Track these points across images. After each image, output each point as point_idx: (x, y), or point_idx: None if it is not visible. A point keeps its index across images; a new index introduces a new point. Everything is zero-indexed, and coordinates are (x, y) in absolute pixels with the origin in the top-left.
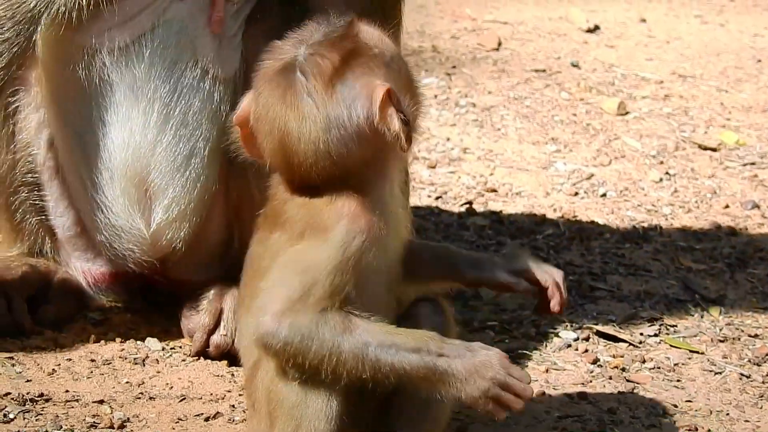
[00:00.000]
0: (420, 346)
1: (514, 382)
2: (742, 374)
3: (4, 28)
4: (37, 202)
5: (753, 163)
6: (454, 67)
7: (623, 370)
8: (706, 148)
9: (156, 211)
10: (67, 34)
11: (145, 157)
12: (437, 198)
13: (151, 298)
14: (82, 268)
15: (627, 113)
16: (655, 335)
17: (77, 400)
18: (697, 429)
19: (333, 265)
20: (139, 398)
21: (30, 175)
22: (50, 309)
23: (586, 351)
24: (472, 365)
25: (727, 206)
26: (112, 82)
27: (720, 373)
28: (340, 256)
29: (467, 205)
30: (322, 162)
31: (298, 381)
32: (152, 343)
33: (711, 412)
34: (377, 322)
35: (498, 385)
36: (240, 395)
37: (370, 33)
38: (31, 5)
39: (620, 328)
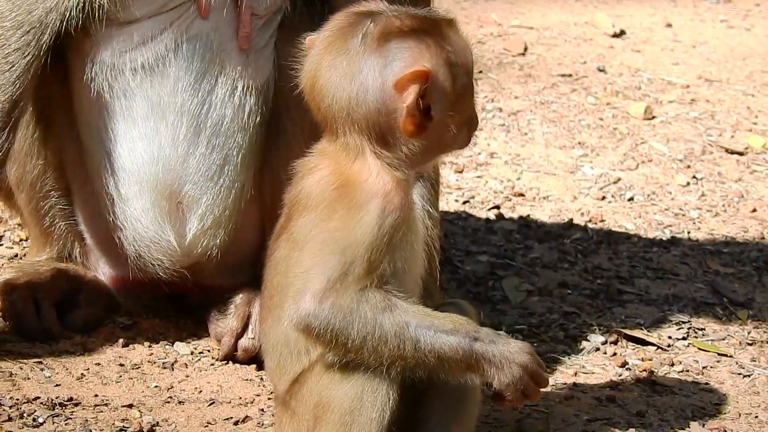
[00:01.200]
0: (458, 329)
1: (540, 371)
2: None
3: (14, 38)
4: (66, 208)
5: None
6: (480, 72)
7: (651, 373)
8: (733, 152)
9: (191, 221)
10: (85, 49)
11: (176, 170)
12: (465, 202)
13: (179, 302)
14: (111, 274)
15: (654, 117)
16: (684, 338)
17: (106, 405)
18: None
19: (370, 241)
20: (168, 402)
21: (60, 180)
22: (79, 314)
23: (615, 354)
24: (508, 351)
25: (754, 210)
26: (137, 98)
27: (748, 376)
28: (377, 233)
29: (495, 210)
30: (338, 107)
31: (353, 387)
32: (181, 347)
33: (739, 415)
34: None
35: (528, 374)
36: (269, 399)
37: (456, 37)
38: (41, 14)
39: (648, 331)
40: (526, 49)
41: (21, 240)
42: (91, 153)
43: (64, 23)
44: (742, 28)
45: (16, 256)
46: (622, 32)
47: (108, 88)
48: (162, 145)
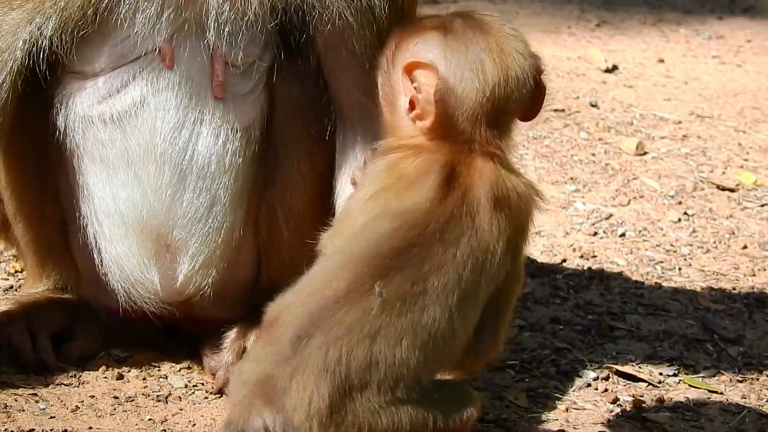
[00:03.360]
0: None
1: None
2: (760, 414)
3: None
4: (62, 239)
5: None
6: None
7: (642, 409)
8: (724, 189)
9: (181, 263)
10: (57, 98)
11: (162, 215)
12: None
13: (173, 334)
14: (106, 306)
15: (645, 153)
16: (674, 375)
17: None
18: None
19: None
20: None
21: (57, 211)
22: (74, 345)
23: (606, 390)
24: None
25: (745, 246)
26: (114, 148)
27: (739, 413)
28: None
29: None
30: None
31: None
32: (175, 380)
33: None
34: None
35: None
36: None
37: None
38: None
39: (640, 367)
40: None
41: (16, 271)
42: (78, 191)
43: (15, 65)
44: (734, 64)
45: (12, 287)
46: (615, 67)
47: (83, 138)
48: (145, 191)
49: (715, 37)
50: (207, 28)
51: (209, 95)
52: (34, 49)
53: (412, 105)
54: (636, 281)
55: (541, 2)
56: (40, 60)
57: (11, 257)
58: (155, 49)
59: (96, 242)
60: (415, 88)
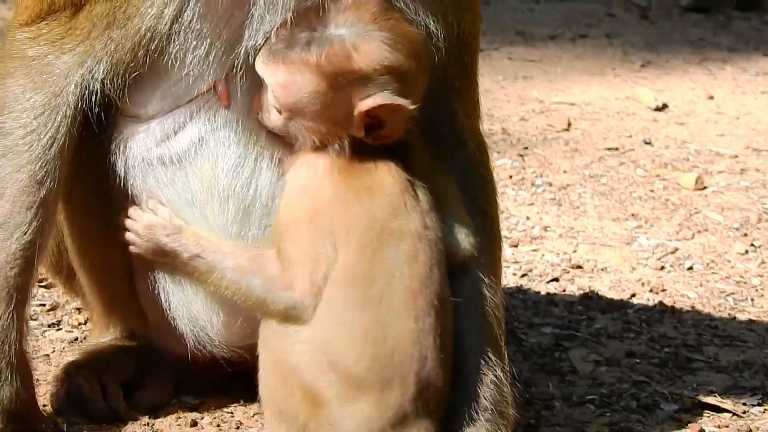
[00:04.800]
0: None
1: None
2: None
3: (28, 119)
4: (128, 286)
5: None
6: (526, 148)
7: None
8: None
9: None
10: (114, 142)
11: None
12: (522, 276)
13: (245, 380)
14: (175, 352)
15: (705, 188)
16: (759, 404)
17: None
18: None
19: None
20: None
21: (123, 257)
22: (145, 394)
23: (690, 422)
24: None
25: None
26: (176, 188)
27: None
28: None
29: (554, 282)
30: None
31: None
32: (249, 425)
33: None
34: None
35: None
36: None
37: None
38: (48, 99)
39: (722, 398)
40: (569, 124)
41: (80, 324)
42: None
43: (69, 110)
44: None
45: (76, 339)
46: (665, 106)
47: (143, 181)
48: (211, 229)
49: (762, 73)
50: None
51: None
52: (87, 92)
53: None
54: (709, 313)
55: (583, 46)
56: (93, 104)
57: (74, 310)
58: (209, 88)
59: (163, 287)
60: None
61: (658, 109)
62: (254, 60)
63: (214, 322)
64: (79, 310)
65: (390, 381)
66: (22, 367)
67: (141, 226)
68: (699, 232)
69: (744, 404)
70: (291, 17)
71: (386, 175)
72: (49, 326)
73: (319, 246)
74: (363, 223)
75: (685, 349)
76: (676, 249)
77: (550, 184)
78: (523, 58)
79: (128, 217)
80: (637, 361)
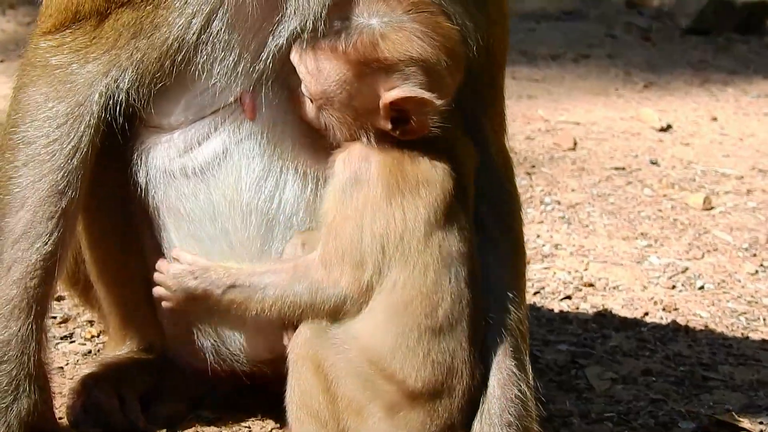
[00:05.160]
0: None
1: None
2: None
3: (51, 128)
4: (147, 298)
5: None
6: (533, 166)
7: None
8: None
9: None
10: (136, 153)
11: None
12: (535, 293)
13: (262, 393)
14: (193, 366)
15: (712, 208)
16: None
17: None
18: None
19: None
20: None
21: (141, 268)
22: (163, 407)
23: None
24: None
25: None
26: (198, 201)
27: None
28: None
29: (567, 300)
30: None
31: None
32: None
33: None
34: None
35: None
36: None
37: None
38: (72, 108)
39: (739, 417)
40: (575, 143)
41: (92, 336)
42: (164, 248)
43: (92, 119)
44: None
45: (90, 352)
46: (669, 126)
47: (165, 193)
48: (233, 244)
49: (764, 95)
50: (284, 76)
51: (293, 142)
52: (111, 102)
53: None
54: (722, 333)
55: (586, 66)
56: (117, 114)
57: (86, 323)
58: (235, 100)
59: None
60: None
61: (662, 130)
62: (281, 70)
63: (236, 336)
64: (91, 322)
65: (440, 393)
66: (40, 379)
67: (168, 277)
68: (709, 251)
69: (761, 423)
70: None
71: (440, 175)
72: (61, 339)
73: (367, 245)
74: (418, 232)
75: (700, 368)
76: (687, 268)
77: (559, 203)
78: (526, 77)
79: (156, 271)
80: (653, 379)
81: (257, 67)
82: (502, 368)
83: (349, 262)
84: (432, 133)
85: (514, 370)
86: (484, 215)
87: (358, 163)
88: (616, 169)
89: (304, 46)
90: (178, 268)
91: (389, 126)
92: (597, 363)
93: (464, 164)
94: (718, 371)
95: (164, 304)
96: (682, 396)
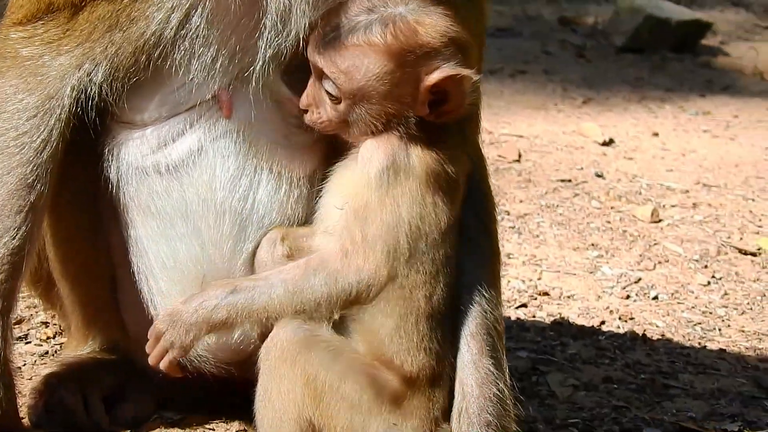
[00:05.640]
0: None
1: None
2: None
3: (21, 120)
4: (110, 297)
5: None
6: None
7: None
8: (746, 253)
9: None
10: (108, 148)
11: (221, 268)
12: None
13: (228, 396)
14: (157, 368)
15: (660, 221)
16: (740, 430)
17: None
18: None
19: None
20: None
21: (106, 268)
22: (127, 408)
23: None
24: None
25: None
26: (171, 199)
27: None
28: None
29: (522, 308)
30: None
31: None
32: None
33: None
34: None
35: None
36: None
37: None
38: (42, 100)
39: (702, 424)
40: (520, 156)
41: (48, 338)
42: (132, 246)
43: (63, 113)
44: (726, 138)
45: (47, 353)
46: (611, 141)
47: (136, 190)
48: (205, 243)
49: (702, 113)
50: (263, 75)
51: (269, 142)
52: (83, 96)
53: None
54: (679, 342)
55: (523, 81)
56: (89, 108)
57: (40, 324)
58: (212, 97)
59: (150, 299)
60: None
61: (605, 144)
62: (260, 68)
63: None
64: (45, 323)
65: (435, 379)
66: (5, 377)
67: (165, 328)
68: (660, 263)
69: (725, 430)
70: (319, 18)
71: (460, 174)
72: (17, 340)
73: (403, 232)
74: (442, 225)
75: (660, 376)
76: (640, 279)
77: (508, 213)
78: None
79: (148, 341)
80: (615, 386)
81: (235, 65)
82: (479, 367)
83: (381, 249)
84: (463, 113)
85: (492, 369)
86: (464, 215)
87: (395, 151)
88: (562, 181)
89: (329, 46)
90: (168, 310)
91: (427, 110)
92: (558, 370)
93: (464, 166)
94: (678, 379)
95: (169, 365)
96: (644, 403)
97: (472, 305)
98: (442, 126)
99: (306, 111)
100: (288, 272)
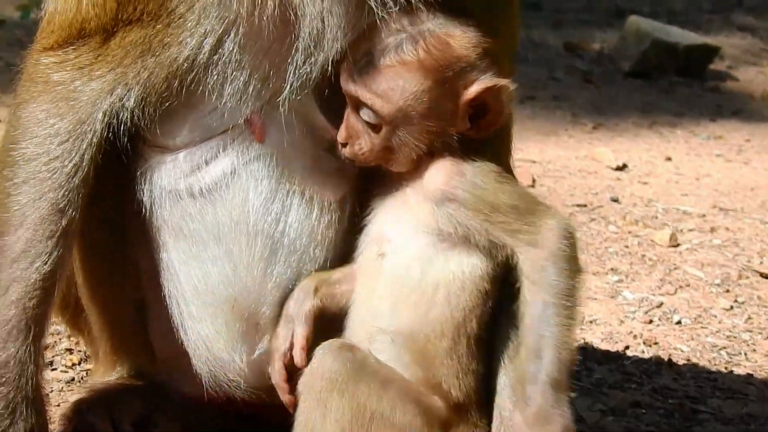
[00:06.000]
0: None
1: None
2: None
3: (53, 146)
4: (140, 322)
5: None
6: None
7: None
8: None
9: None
10: (141, 172)
11: (253, 292)
12: None
13: (258, 421)
14: (185, 391)
15: (679, 245)
16: None
17: None
18: None
19: None
20: None
21: (136, 292)
22: None
23: None
24: None
25: None
26: (204, 221)
27: None
28: None
29: None
30: None
31: None
32: None
33: None
34: None
35: None
36: None
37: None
38: (74, 125)
39: None
40: (534, 181)
41: (73, 364)
42: (162, 270)
43: (95, 137)
44: (740, 162)
45: (73, 380)
46: (625, 166)
47: (170, 213)
48: (236, 266)
49: (713, 137)
50: (294, 99)
51: (301, 166)
52: (115, 121)
53: None
54: (705, 367)
55: (532, 107)
56: (121, 133)
57: (65, 351)
58: (244, 121)
59: (181, 323)
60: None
61: (618, 169)
62: (292, 93)
63: (236, 362)
64: (70, 350)
65: (481, 405)
66: (38, 403)
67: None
68: (681, 287)
69: None
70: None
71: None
72: None
73: None
74: None
75: (688, 401)
76: (662, 303)
77: None
78: None
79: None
80: (643, 411)
81: (267, 89)
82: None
83: None
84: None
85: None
86: None
87: (453, 174)
88: (578, 206)
89: (357, 75)
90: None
91: (468, 124)
92: (585, 395)
93: None
94: (707, 404)
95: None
96: (673, 428)
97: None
98: (475, 146)
99: (345, 145)
100: None
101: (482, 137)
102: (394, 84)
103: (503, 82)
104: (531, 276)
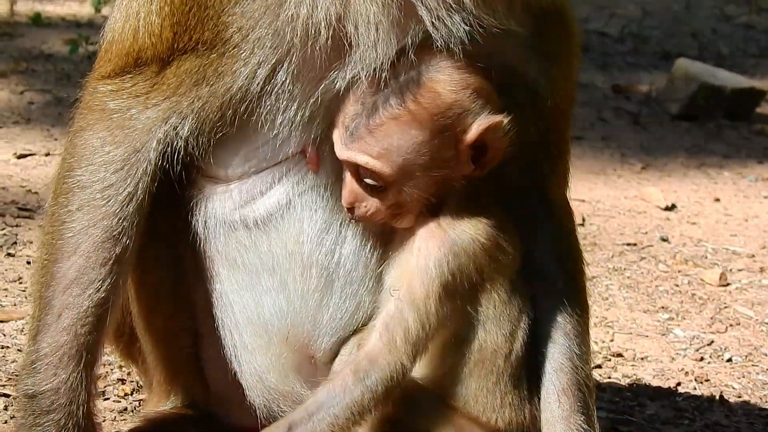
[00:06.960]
0: None
1: None
2: None
3: (108, 173)
4: (194, 352)
5: None
6: None
7: None
8: None
9: (326, 374)
10: (195, 203)
11: (307, 323)
12: None
13: None
14: (238, 422)
15: (729, 284)
16: None
17: None
18: None
19: None
20: None
21: (190, 323)
22: None
23: None
24: None
25: None
26: (258, 252)
27: None
28: None
29: (597, 368)
30: None
31: None
32: None
33: None
34: None
35: None
36: None
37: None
38: (128, 153)
39: None
40: (584, 220)
41: (126, 394)
42: (216, 300)
43: (150, 167)
44: None
45: (126, 409)
46: (674, 206)
47: (224, 244)
48: (291, 298)
49: (761, 179)
50: None
51: None
52: (169, 149)
53: None
54: (756, 404)
55: (581, 147)
56: (175, 162)
57: (117, 381)
58: (299, 152)
59: (234, 354)
60: None
61: (668, 209)
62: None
63: (289, 393)
64: (122, 380)
65: None
66: (89, 430)
67: None
68: (731, 325)
69: None
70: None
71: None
72: None
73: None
74: (506, 287)
75: None
76: (712, 341)
77: None
78: None
79: None
80: None
81: (322, 119)
82: (571, 423)
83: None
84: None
85: (584, 426)
86: (551, 268)
87: (447, 236)
88: (628, 245)
89: (350, 140)
90: None
91: (471, 166)
92: (639, 430)
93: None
94: None
95: None
96: None
97: (563, 360)
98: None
99: (351, 209)
100: (337, 386)
101: (486, 173)
102: (390, 141)
103: (498, 118)
104: None
